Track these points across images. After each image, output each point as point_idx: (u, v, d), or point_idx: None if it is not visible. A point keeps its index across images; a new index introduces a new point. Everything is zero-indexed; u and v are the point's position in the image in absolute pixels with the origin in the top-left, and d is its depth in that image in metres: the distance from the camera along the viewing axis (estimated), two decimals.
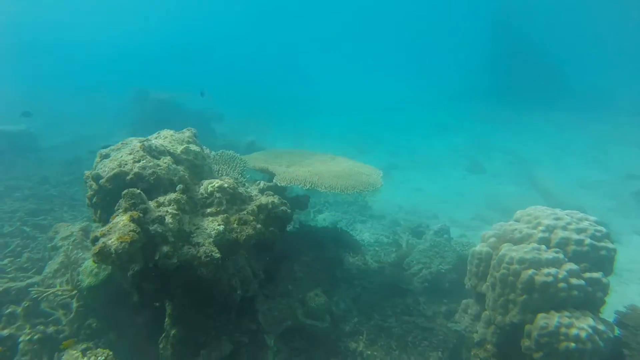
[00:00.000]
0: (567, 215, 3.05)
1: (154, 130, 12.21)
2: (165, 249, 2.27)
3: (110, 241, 1.97)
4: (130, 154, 2.64)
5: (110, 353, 3.05)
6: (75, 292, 3.86)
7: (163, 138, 3.08)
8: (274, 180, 4.71)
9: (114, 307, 3.66)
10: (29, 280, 4.08)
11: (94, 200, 2.56)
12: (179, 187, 2.61)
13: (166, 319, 3.38)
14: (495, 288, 2.88)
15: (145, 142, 2.75)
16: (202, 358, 3.58)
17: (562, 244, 2.80)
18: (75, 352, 2.87)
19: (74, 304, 3.77)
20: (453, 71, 36.52)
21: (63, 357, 2.71)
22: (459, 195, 11.85)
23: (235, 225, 2.67)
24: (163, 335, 3.38)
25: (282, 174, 4.71)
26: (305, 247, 5.36)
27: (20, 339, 3.67)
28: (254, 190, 3.30)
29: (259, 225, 2.78)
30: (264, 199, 3.04)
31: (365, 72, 45.29)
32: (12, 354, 3.62)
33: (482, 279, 3.17)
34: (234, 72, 42.30)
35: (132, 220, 2.15)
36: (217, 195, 2.80)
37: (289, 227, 5.87)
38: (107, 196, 2.53)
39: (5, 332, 3.76)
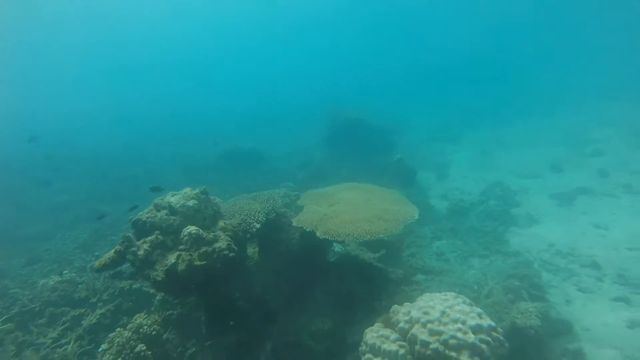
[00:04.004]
0: None
1: (344, 145, 14.82)
2: (131, 269, 4.02)
3: (97, 260, 3.90)
4: (149, 208, 4.58)
5: (158, 320, 5.14)
6: None
7: (178, 195, 4.85)
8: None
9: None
10: None
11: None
12: (156, 232, 4.30)
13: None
14: None
15: (156, 201, 4.61)
16: (215, 340, 5.21)
17: None
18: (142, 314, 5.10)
19: None
20: None
21: (135, 317, 4.93)
22: None
23: (180, 261, 4.10)
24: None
25: (299, 216, 5.65)
26: (332, 276, 6.03)
27: None
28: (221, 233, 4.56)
29: (197, 262, 4.09)
30: (217, 244, 4.30)
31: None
32: None
33: None
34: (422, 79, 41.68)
35: (115, 251, 4.02)
36: (186, 238, 4.30)
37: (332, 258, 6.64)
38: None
39: None
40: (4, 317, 6.10)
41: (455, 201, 11.47)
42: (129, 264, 4.14)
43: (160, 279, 3.99)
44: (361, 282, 5.91)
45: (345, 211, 5.70)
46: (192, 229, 4.37)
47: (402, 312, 3.07)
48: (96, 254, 7.59)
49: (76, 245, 9.36)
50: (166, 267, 4.07)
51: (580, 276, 7.52)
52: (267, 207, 5.68)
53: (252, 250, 6.65)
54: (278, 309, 5.77)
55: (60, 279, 6.74)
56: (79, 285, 6.60)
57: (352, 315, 5.71)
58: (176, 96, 50.24)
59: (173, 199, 4.71)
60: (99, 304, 6.15)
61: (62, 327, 5.85)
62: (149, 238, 4.26)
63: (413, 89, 38.86)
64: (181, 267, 4.02)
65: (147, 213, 4.54)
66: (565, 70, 32.05)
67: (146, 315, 5.20)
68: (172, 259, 4.15)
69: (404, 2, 47.54)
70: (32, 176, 16.44)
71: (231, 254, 4.23)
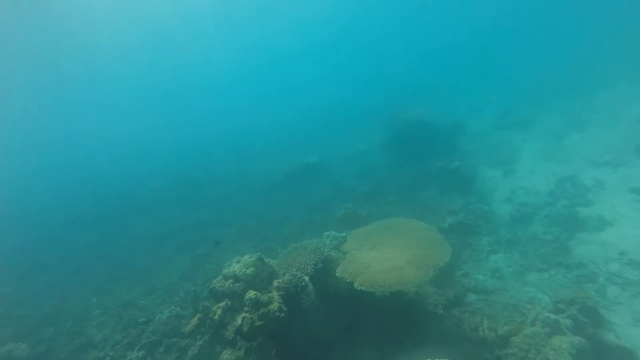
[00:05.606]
0: None
1: (403, 149, 15.54)
2: (210, 330, 5.36)
3: (188, 324, 5.32)
4: (219, 278, 5.90)
5: (240, 355, 6.54)
6: None
7: (240, 263, 6.07)
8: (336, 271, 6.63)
9: None
10: None
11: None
12: (225, 300, 5.57)
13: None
14: None
15: (224, 270, 5.90)
16: None
17: None
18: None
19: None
20: None
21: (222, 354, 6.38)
22: None
23: (244, 323, 5.31)
24: None
25: (341, 266, 6.53)
26: (379, 313, 6.82)
27: None
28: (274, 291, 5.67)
29: (257, 323, 5.26)
30: (271, 306, 5.42)
31: None
32: None
33: None
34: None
35: (198, 318, 5.39)
36: (247, 302, 5.51)
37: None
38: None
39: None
40: (138, 346, 8.18)
41: (518, 205, 11.16)
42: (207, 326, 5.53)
43: (231, 338, 5.27)
44: (404, 316, 6.62)
45: (381, 258, 6.42)
46: (252, 294, 5.57)
47: None
48: (193, 288, 9.44)
49: (179, 276, 11.55)
50: (235, 328, 5.34)
51: None
52: (315, 259, 6.68)
53: (312, 287, 7.75)
54: (332, 343, 6.78)
55: (169, 313, 8.70)
56: (182, 320, 8.46)
57: (399, 345, 6.49)
58: (225, 112, 53.71)
59: (237, 267, 5.97)
60: (197, 336, 7.85)
61: (175, 356, 7.68)
62: (221, 304, 5.58)
63: (474, 65, 36.16)
64: (245, 328, 5.25)
65: (218, 282, 5.88)
66: None
67: (231, 350, 6.62)
68: (238, 320, 5.40)
69: None
70: (133, 207, 19.93)
71: (282, 315, 5.32)
